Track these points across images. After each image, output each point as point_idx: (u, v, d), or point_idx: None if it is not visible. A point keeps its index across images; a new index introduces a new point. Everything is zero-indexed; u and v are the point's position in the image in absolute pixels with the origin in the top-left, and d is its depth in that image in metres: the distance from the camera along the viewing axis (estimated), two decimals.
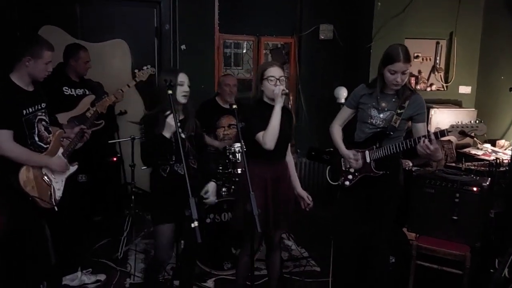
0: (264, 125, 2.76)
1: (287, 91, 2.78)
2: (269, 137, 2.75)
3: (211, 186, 3.00)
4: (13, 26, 4.37)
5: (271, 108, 2.79)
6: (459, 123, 2.64)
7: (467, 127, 2.62)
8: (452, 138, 2.80)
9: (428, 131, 2.79)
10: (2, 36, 4.13)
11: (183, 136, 2.78)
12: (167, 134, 2.71)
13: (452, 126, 2.65)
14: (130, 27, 4.86)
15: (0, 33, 4.15)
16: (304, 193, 3.09)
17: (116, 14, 4.83)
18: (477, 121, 2.63)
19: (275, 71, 2.81)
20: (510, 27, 4.84)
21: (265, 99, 2.87)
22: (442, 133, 2.66)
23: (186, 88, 2.81)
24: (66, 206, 2.97)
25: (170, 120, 2.66)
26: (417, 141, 2.74)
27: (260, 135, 2.78)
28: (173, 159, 2.84)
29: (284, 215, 2.92)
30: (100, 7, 4.77)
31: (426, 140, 2.63)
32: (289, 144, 3.07)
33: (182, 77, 2.81)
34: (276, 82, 2.78)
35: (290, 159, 3.10)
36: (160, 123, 2.73)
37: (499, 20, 4.99)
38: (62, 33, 4.58)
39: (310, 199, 3.08)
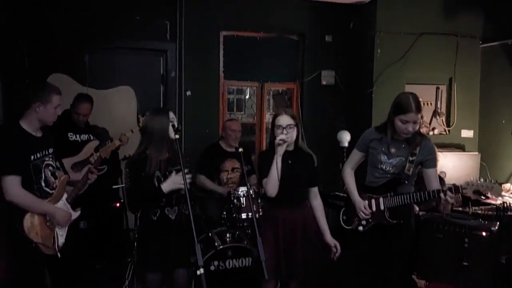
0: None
1: (284, 141, 2.79)
2: (268, 185, 2.78)
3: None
4: (23, 74, 4.47)
5: (286, 153, 2.84)
6: (474, 181, 2.66)
7: (482, 186, 2.64)
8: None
9: (444, 187, 2.78)
10: (12, 84, 4.22)
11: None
12: (166, 188, 2.69)
13: (467, 183, 2.67)
14: (137, 74, 4.96)
15: (10, 81, 4.24)
16: (331, 242, 2.97)
17: (123, 62, 4.95)
18: (492, 181, 2.65)
19: (282, 120, 2.85)
20: (508, 71, 4.95)
21: None
22: (457, 189, 2.68)
23: (179, 127, 2.88)
24: (68, 253, 2.92)
25: (176, 178, 2.68)
26: (431, 194, 2.77)
27: (264, 181, 2.80)
28: (163, 201, 2.81)
29: (303, 264, 2.84)
30: (109, 55, 4.89)
31: (449, 193, 2.68)
32: (315, 188, 3.01)
33: (172, 115, 2.86)
34: (282, 131, 2.82)
35: (317, 203, 3.02)
36: (150, 167, 2.73)
37: (496, 65, 5.11)
38: (70, 81, 4.67)
39: (338, 248, 2.97)
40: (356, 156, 3.19)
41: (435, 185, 2.90)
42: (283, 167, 2.81)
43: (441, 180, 4.06)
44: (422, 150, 2.91)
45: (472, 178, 2.68)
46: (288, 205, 2.88)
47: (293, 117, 2.89)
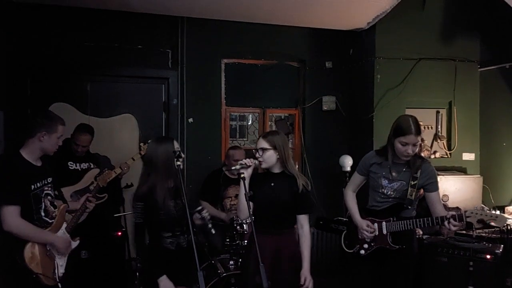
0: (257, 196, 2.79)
1: (245, 165, 2.76)
2: (237, 209, 2.81)
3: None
4: (25, 103, 4.52)
5: (270, 176, 2.87)
6: (479, 210, 2.66)
7: (486, 215, 2.64)
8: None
9: (448, 215, 2.76)
10: (14, 113, 4.27)
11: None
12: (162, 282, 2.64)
13: (471, 212, 2.67)
14: (138, 102, 5.00)
15: (12, 110, 4.28)
16: (303, 275, 2.79)
17: (125, 90, 4.99)
18: (498, 212, 2.65)
19: (258, 143, 2.89)
20: (506, 94, 4.99)
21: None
22: (460, 217, 2.68)
23: (181, 154, 2.76)
24: (68, 284, 2.89)
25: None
26: (435, 221, 2.77)
27: None
28: (178, 231, 2.79)
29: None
30: (111, 84, 4.94)
31: (452, 222, 2.68)
32: (303, 216, 2.90)
33: (177, 144, 2.84)
34: (256, 154, 2.86)
35: (302, 232, 2.89)
36: (159, 197, 2.69)
37: (495, 88, 5.16)
38: (72, 110, 4.70)
39: (308, 283, 2.77)
40: (357, 179, 3.21)
41: (439, 208, 2.90)
42: (266, 190, 2.82)
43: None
44: (423, 173, 2.92)
45: (477, 207, 2.67)
46: (272, 230, 2.80)
47: (269, 140, 2.84)
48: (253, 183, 2.81)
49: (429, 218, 2.81)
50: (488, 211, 2.65)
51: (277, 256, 2.80)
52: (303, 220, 2.90)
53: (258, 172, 2.95)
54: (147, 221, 2.73)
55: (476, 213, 2.63)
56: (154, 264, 2.70)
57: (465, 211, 2.69)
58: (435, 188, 2.94)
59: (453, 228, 2.71)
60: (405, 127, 2.84)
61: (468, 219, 2.67)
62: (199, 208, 2.79)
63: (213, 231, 2.76)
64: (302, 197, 2.86)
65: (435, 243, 3.39)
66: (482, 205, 2.75)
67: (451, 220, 2.68)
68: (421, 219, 2.83)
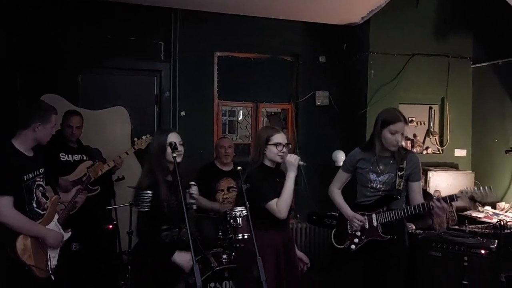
0: (273, 193, 2.75)
1: (303, 163, 2.82)
2: (283, 205, 2.74)
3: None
4: (15, 94, 4.43)
5: (273, 171, 2.84)
6: (468, 189, 2.67)
7: (476, 193, 2.64)
8: (461, 203, 2.83)
9: (439, 197, 2.81)
10: (4, 104, 4.17)
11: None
12: (177, 258, 2.66)
13: (461, 192, 2.70)
14: (130, 95, 4.92)
15: (2, 101, 4.20)
16: (301, 254, 3.05)
17: (117, 82, 4.91)
18: (487, 188, 2.65)
19: (281, 138, 2.86)
20: (499, 91, 5.02)
21: (266, 163, 2.88)
22: (451, 198, 2.70)
23: (177, 146, 2.76)
24: (61, 276, 2.84)
25: (186, 256, 2.64)
26: (425, 206, 2.79)
27: (273, 203, 2.75)
28: (173, 224, 2.76)
29: (297, 281, 2.84)
30: (102, 76, 4.86)
31: (442, 201, 2.71)
32: None
33: (172, 138, 2.78)
34: (283, 148, 2.82)
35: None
36: (161, 192, 2.66)
37: (487, 85, 5.19)
38: (63, 101, 4.61)
39: (307, 260, 3.05)
40: (342, 177, 3.23)
41: (419, 198, 2.95)
42: (274, 186, 2.80)
43: (429, 194, 4.10)
44: (409, 163, 2.96)
45: (466, 187, 2.71)
46: (284, 226, 2.88)
47: (287, 135, 2.93)
48: (267, 182, 2.80)
49: (419, 204, 2.85)
50: (477, 189, 2.66)
51: (286, 250, 2.86)
52: None
53: (259, 168, 2.91)
54: (152, 211, 2.68)
55: (466, 192, 2.68)
56: (162, 247, 2.67)
57: (455, 193, 2.74)
58: (418, 178, 2.99)
59: (439, 205, 2.72)
60: (393, 116, 2.90)
61: (458, 200, 2.71)
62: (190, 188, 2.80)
63: (195, 207, 2.78)
64: None
65: (429, 238, 3.40)
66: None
67: (441, 200, 2.73)
68: (412, 206, 2.87)
